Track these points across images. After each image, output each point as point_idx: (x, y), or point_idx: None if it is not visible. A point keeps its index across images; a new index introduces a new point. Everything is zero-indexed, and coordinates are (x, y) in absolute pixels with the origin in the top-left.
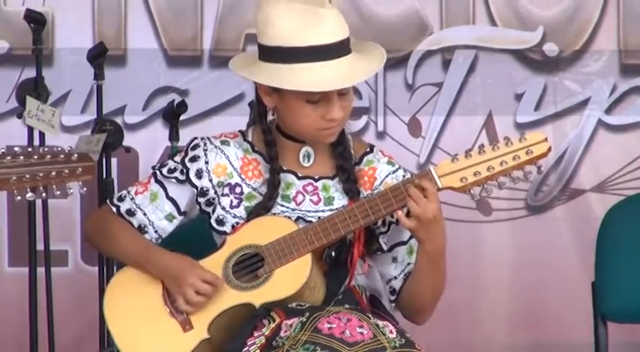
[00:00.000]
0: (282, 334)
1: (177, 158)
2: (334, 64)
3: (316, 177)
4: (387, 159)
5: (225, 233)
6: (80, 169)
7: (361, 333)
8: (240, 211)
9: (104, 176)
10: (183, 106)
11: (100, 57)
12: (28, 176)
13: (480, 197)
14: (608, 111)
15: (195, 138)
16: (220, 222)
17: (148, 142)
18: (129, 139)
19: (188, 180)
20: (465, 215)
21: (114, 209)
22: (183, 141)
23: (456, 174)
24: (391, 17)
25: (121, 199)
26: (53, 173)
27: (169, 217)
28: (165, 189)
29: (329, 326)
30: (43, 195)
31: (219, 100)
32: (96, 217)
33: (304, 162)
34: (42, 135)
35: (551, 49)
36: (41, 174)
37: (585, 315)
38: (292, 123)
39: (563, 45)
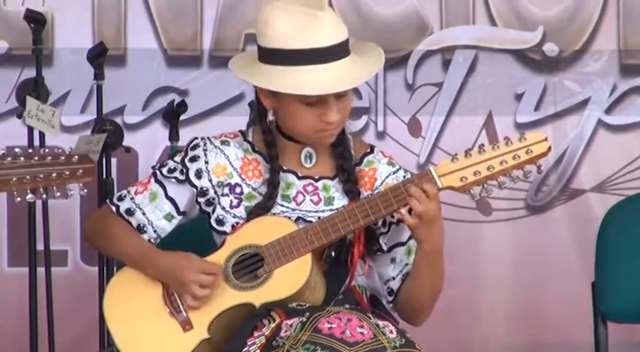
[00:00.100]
0: (282, 334)
1: (177, 158)
2: (332, 66)
3: (316, 177)
4: (387, 159)
5: (225, 233)
6: (81, 171)
7: (361, 333)
8: (240, 211)
9: (104, 176)
10: (183, 106)
11: (99, 57)
12: (28, 177)
13: (480, 197)
14: (608, 111)
15: (195, 138)
16: (220, 222)
17: (148, 142)
18: (129, 139)
19: (188, 180)
20: (465, 215)
21: (113, 208)
22: (183, 141)
23: (456, 173)
24: (391, 17)
25: (120, 199)
26: (54, 174)
27: (168, 217)
28: (164, 188)
29: (329, 326)
30: (44, 196)
31: (219, 100)
32: (95, 217)
33: (306, 163)
34: (42, 135)
35: (551, 49)
36: (42, 176)
37: (585, 315)
38: (291, 125)
39: (563, 45)
